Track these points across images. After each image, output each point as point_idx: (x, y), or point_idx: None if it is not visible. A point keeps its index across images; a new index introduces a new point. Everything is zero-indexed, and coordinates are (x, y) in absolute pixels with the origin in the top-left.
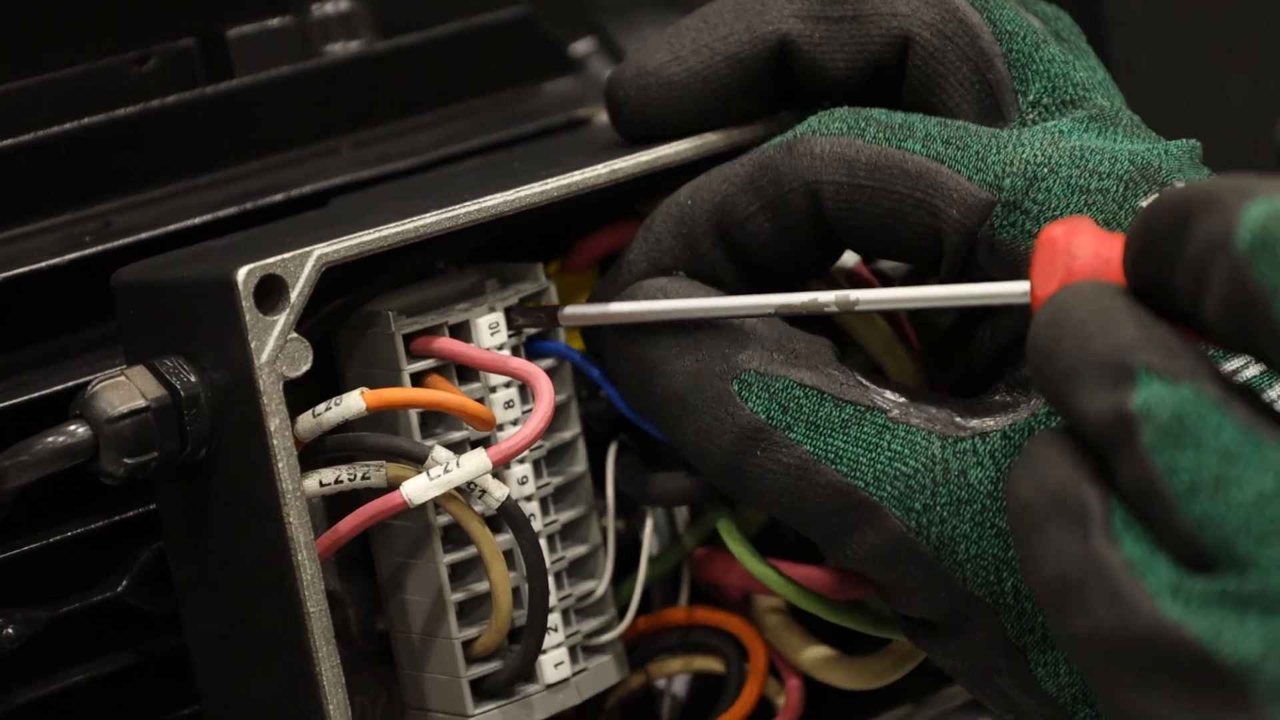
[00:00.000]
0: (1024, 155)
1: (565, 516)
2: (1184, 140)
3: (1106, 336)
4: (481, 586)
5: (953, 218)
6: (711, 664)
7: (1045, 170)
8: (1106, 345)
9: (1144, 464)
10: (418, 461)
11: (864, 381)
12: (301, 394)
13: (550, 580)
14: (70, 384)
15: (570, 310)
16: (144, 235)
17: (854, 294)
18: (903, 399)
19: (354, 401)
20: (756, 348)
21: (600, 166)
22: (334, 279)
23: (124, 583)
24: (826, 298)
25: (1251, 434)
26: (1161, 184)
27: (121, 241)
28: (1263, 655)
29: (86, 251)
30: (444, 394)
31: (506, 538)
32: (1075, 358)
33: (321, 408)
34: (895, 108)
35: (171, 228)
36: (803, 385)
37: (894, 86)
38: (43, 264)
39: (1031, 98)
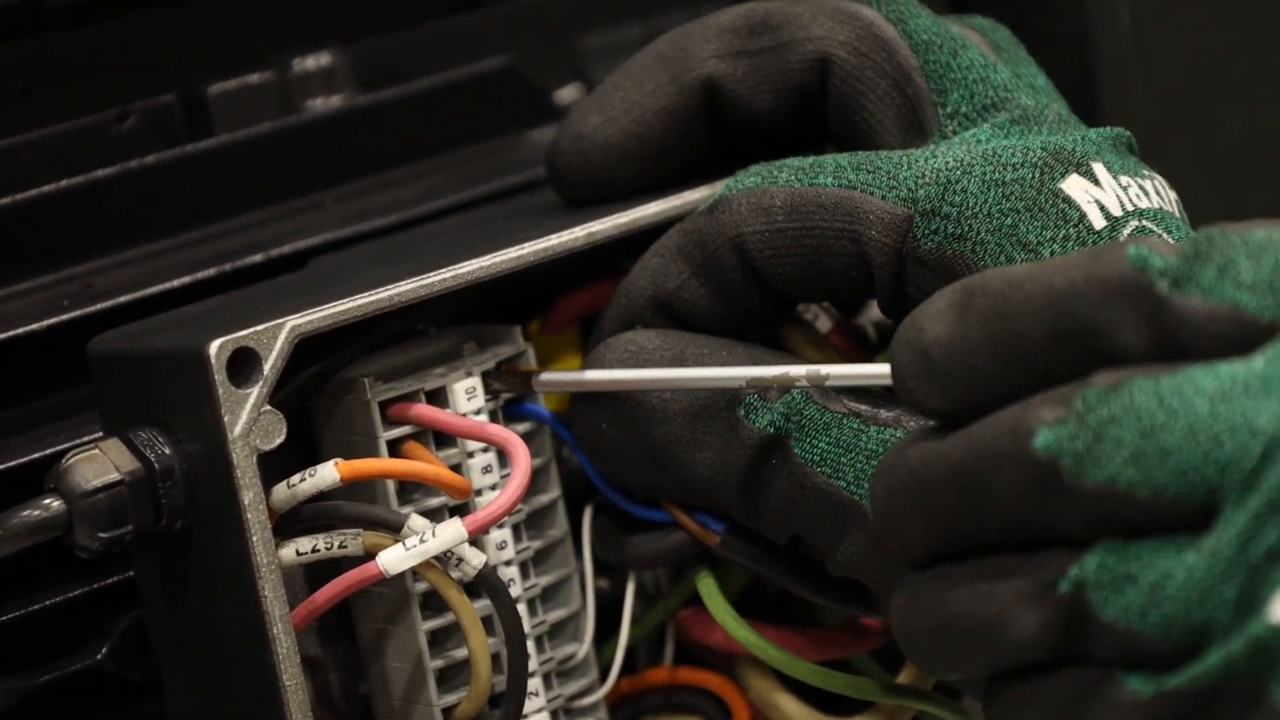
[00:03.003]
0: (935, 165)
1: (546, 580)
2: (1107, 128)
3: None
4: (461, 653)
5: (873, 239)
6: None
7: (959, 173)
8: None
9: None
10: (394, 530)
11: (839, 393)
12: (281, 457)
13: (531, 644)
14: (48, 451)
15: (545, 377)
16: (123, 299)
17: (824, 369)
18: (871, 404)
19: (328, 473)
20: (750, 382)
21: (578, 230)
22: (309, 346)
23: (104, 650)
24: (798, 371)
25: None
26: (1078, 165)
27: (100, 306)
28: None
29: (65, 316)
30: (418, 464)
31: (486, 603)
32: None
33: (296, 479)
34: (823, 132)
35: (150, 291)
36: (792, 393)
37: (821, 111)
38: (21, 330)
39: (950, 108)
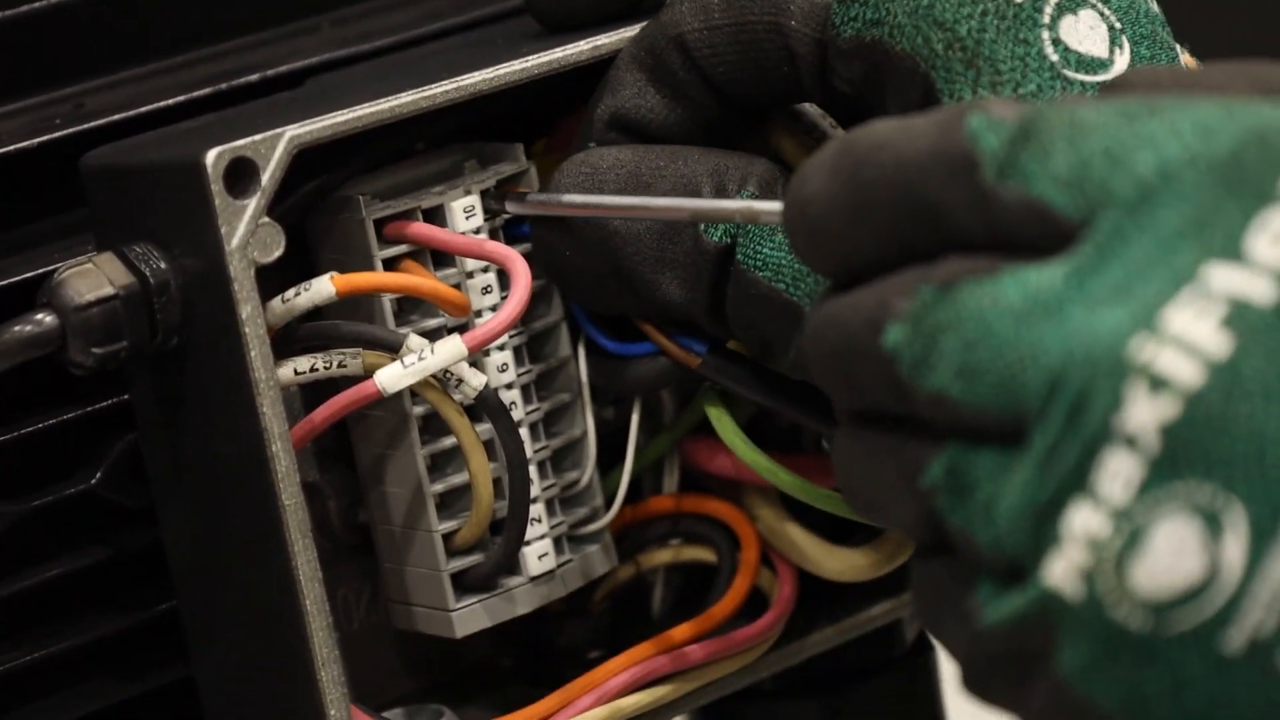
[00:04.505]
0: None
1: (548, 404)
2: None
3: None
4: (461, 478)
5: (794, 29)
6: (703, 554)
7: None
8: None
9: None
10: (392, 349)
11: None
12: (279, 281)
13: (534, 470)
14: (40, 271)
15: (532, 198)
16: (116, 117)
17: (758, 205)
18: None
19: (323, 286)
20: (711, 188)
21: (583, 43)
22: (308, 162)
23: (98, 475)
24: (733, 205)
25: None
26: None
27: (93, 124)
28: None
29: (57, 134)
30: (415, 278)
31: (487, 427)
32: None
33: (291, 293)
34: None
35: (144, 109)
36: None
37: None
38: (11, 147)
39: None
